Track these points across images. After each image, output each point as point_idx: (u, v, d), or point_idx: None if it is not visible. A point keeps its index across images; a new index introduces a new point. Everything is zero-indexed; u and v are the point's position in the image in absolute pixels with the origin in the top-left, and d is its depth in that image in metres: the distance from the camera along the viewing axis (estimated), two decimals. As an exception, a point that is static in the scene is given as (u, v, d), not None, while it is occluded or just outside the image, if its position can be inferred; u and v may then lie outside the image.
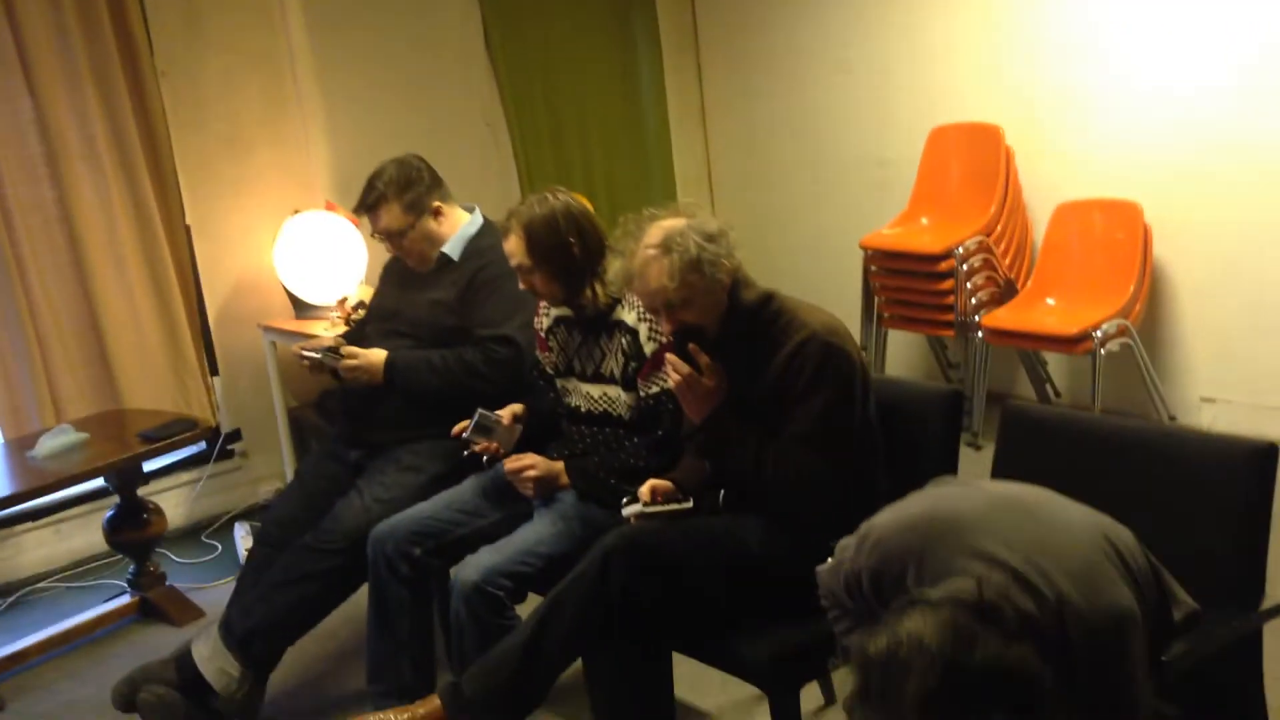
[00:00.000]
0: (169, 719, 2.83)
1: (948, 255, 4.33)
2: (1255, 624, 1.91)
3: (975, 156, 4.56)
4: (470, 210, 3.20)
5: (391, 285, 3.30)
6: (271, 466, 4.54)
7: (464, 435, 2.81)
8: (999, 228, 4.43)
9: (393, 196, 3.05)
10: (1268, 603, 1.90)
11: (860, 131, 5.09)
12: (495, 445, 2.82)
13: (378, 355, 3.06)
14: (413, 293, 3.17)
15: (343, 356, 3.03)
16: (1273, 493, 1.89)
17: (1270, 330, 4.07)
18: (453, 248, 3.11)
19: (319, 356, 3.06)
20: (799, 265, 5.26)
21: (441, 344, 3.05)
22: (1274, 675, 1.91)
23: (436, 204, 3.09)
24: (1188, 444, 2.04)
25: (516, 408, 2.89)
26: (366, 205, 3.09)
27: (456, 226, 3.13)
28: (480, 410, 2.82)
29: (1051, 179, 4.47)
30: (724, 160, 5.72)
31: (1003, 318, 4.23)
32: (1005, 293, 4.43)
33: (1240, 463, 1.89)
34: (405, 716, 2.27)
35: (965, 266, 4.33)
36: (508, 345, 3.00)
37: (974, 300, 4.36)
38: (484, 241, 3.10)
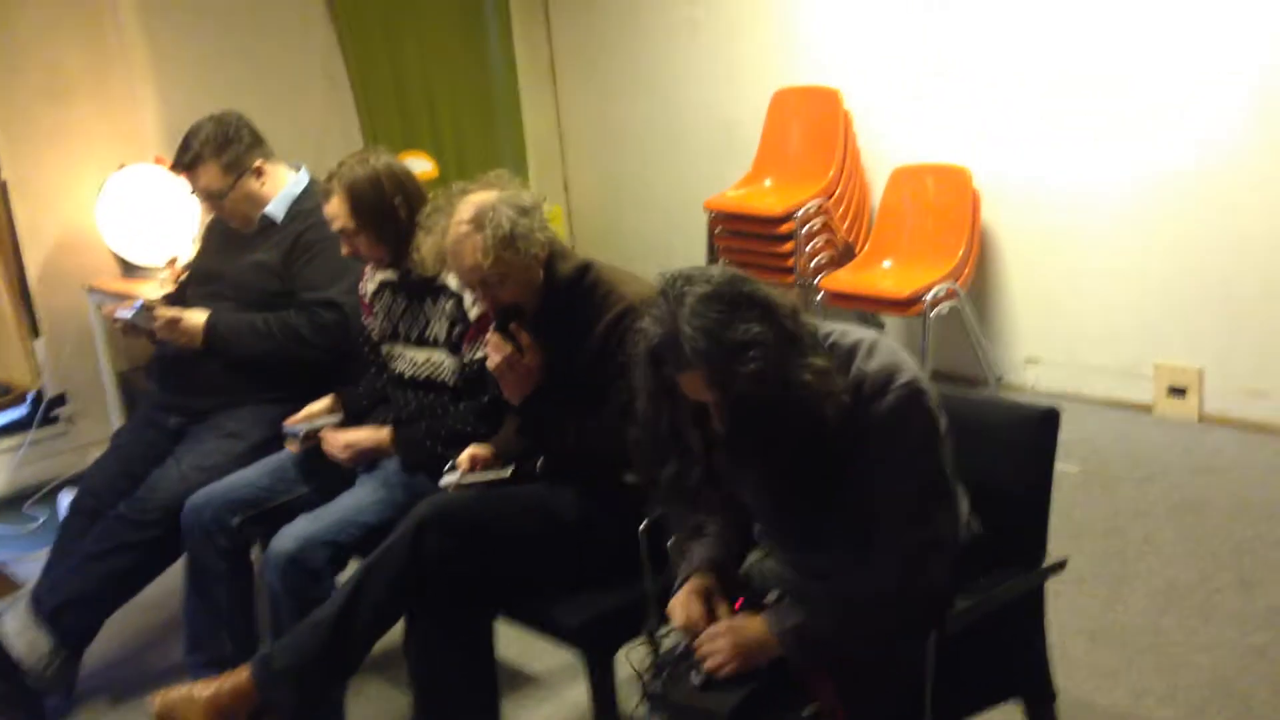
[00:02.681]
0: (-26, 697, 2.73)
1: (788, 217, 4.39)
2: (1036, 581, 1.99)
3: (816, 119, 4.62)
4: (296, 169, 3.11)
5: (213, 246, 3.19)
6: (100, 432, 4.37)
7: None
8: (838, 190, 4.51)
9: (210, 156, 2.95)
10: (1049, 561, 1.99)
11: (708, 92, 5.11)
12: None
13: (198, 317, 2.96)
14: (235, 254, 3.07)
15: (156, 317, 2.92)
16: (1054, 455, 1.96)
17: (1089, 293, 4.23)
18: (276, 208, 3.02)
19: (130, 317, 2.94)
20: (649, 225, 5.26)
21: (264, 308, 2.96)
22: (1055, 633, 1.99)
23: (258, 163, 3.00)
24: (981, 408, 2.11)
25: (327, 402, 2.85)
26: (183, 165, 2.98)
27: (280, 186, 3.04)
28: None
29: (888, 143, 4.56)
30: (575, 119, 5.67)
31: (841, 280, 4.31)
32: (844, 255, 4.52)
33: (1023, 427, 1.97)
34: (210, 690, 2.21)
35: (805, 229, 4.40)
36: (333, 309, 2.93)
37: (813, 263, 4.44)
38: (309, 203, 3.02)
